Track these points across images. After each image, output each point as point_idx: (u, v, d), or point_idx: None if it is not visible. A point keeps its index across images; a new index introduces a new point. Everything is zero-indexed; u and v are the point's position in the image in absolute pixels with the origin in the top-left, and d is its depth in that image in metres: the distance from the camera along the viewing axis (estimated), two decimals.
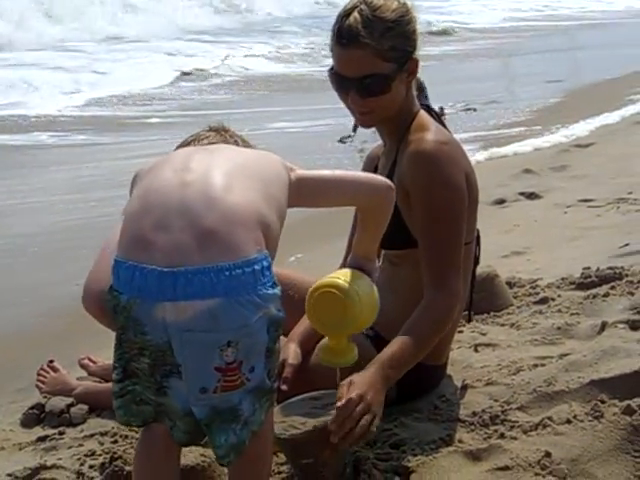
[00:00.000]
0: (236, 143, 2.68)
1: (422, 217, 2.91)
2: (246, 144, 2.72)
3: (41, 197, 7.39)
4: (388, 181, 2.58)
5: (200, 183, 2.17)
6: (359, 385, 2.57)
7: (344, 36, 2.91)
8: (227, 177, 2.20)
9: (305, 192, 2.43)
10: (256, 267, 2.08)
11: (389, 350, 2.76)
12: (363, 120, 3.07)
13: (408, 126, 3.00)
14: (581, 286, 4.06)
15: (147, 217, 2.15)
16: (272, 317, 2.14)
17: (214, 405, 2.15)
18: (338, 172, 2.52)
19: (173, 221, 2.11)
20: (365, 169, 3.27)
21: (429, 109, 3.13)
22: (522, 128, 10.21)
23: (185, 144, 2.71)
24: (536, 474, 2.59)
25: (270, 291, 2.12)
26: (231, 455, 2.23)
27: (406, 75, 2.97)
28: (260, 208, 2.17)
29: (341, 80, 2.97)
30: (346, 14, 2.93)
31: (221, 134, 2.73)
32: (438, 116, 3.13)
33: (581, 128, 9.96)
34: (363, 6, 2.91)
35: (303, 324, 3.07)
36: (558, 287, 4.13)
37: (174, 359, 2.14)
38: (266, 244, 2.16)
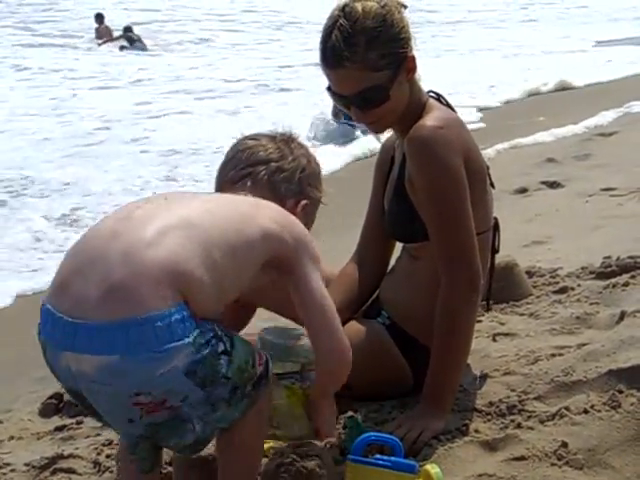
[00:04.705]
0: (293, 160, 2.61)
1: (423, 203, 2.90)
2: (306, 157, 2.65)
3: None
4: (348, 358, 2.42)
5: (128, 235, 2.12)
6: (402, 419, 2.83)
7: (329, 58, 2.86)
8: (159, 232, 2.12)
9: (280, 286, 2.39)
10: (159, 323, 2.02)
11: (427, 378, 2.86)
12: (374, 129, 3.05)
13: (418, 118, 2.94)
14: (601, 275, 4.03)
15: (73, 261, 2.16)
16: (188, 365, 2.07)
17: (149, 423, 2.14)
18: (320, 309, 2.35)
19: (91, 270, 2.09)
20: (380, 159, 3.26)
21: (438, 95, 3.10)
22: (545, 117, 10.18)
23: (243, 148, 2.63)
24: (552, 464, 2.57)
25: (177, 344, 2.04)
26: (187, 451, 2.28)
27: (405, 75, 2.90)
28: (181, 264, 2.08)
29: (339, 98, 2.93)
30: (327, 33, 2.86)
31: (280, 146, 2.64)
32: (447, 102, 3.10)
33: (604, 117, 9.92)
34: (342, 20, 2.83)
35: None
36: (578, 276, 4.10)
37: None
38: (192, 299, 2.10)
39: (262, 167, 2.58)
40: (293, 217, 2.43)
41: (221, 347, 2.15)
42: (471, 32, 25.10)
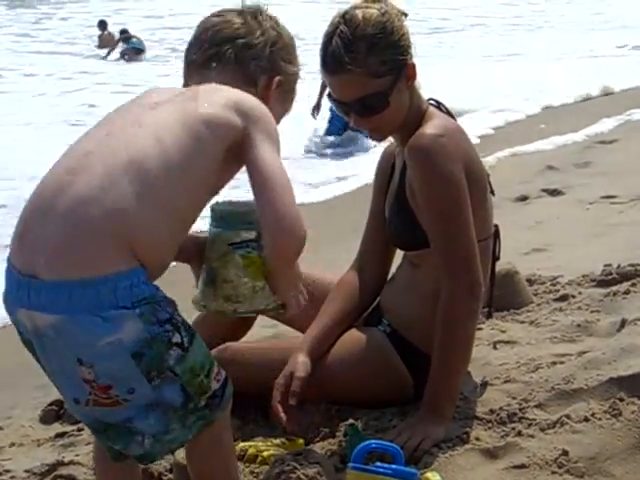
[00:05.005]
0: (262, 34, 2.42)
1: (424, 213, 2.90)
2: (276, 30, 2.46)
3: None
4: (302, 232, 2.17)
5: (73, 190, 2.05)
6: (403, 427, 2.81)
7: (329, 64, 2.87)
8: (102, 185, 2.04)
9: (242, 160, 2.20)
10: (103, 288, 1.98)
11: (427, 385, 2.85)
12: (374, 137, 3.04)
13: (418, 126, 2.94)
14: (602, 283, 4.02)
15: (27, 216, 2.12)
16: (135, 343, 2.01)
17: (97, 418, 2.11)
18: (278, 177, 2.16)
19: (41, 227, 2.05)
20: (381, 166, 3.25)
21: (438, 104, 3.10)
22: (545, 125, 10.19)
23: (207, 27, 2.45)
24: (553, 472, 2.56)
25: (122, 311, 1.99)
26: (136, 459, 2.23)
27: (405, 82, 2.91)
28: (129, 219, 2.03)
29: (338, 104, 2.94)
30: (328, 39, 2.87)
31: (247, 20, 2.44)
32: (447, 109, 3.10)
33: (605, 124, 9.92)
34: (342, 26, 2.84)
35: (315, 328, 3.05)
36: (579, 284, 4.09)
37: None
38: (143, 253, 2.05)
39: (228, 45, 2.39)
40: (239, 93, 2.26)
41: (177, 338, 2.07)
42: (488, 38, 24.74)
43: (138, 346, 2.02)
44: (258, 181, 2.16)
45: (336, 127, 10.18)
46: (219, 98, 2.22)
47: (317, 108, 10.42)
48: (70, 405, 2.17)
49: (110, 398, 2.06)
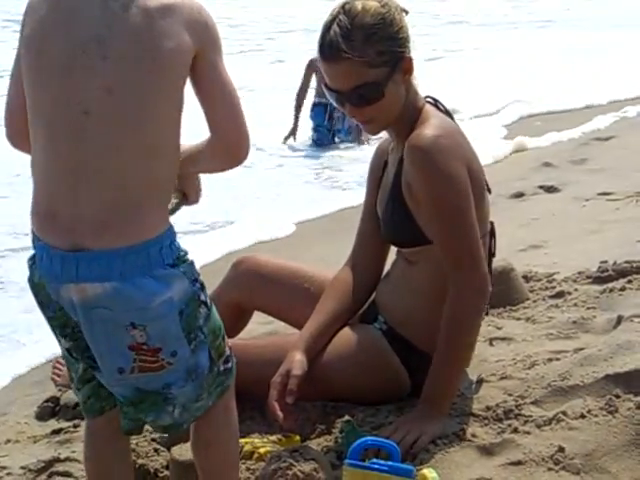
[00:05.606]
0: None
1: (428, 213, 2.89)
2: None
3: None
4: (247, 151, 2.21)
5: (99, 154, 2.07)
6: (399, 423, 2.80)
7: (326, 51, 2.88)
8: (125, 149, 2.07)
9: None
10: (152, 249, 2.08)
11: (427, 381, 2.85)
12: (368, 129, 3.04)
13: (414, 123, 2.95)
14: (598, 280, 4.02)
15: (54, 182, 2.12)
16: (182, 300, 2.12)
17: (137, 387, 2.17)
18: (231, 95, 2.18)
19: (76, 193, 2.08)
20: (374, 162, 3.25)
21: (435, 102, 3.10)
22: (541, 122, 10.20)
23: None
24: (549, 469, 2.57)
25: (171, 270, 2.10)
26: (162, 430, 2.32)
27: (401, 75, 2.91)
28: (157, 180, 2.11)
29: (334, 94, 2.94)
30: (327, 28, 2.88)
31: None
32: (445, 108, 3.10)
33: (601, 121, 9.93)
34: (341, 16, 2.86)
35: (311, 326, 3.05)
36: (575, 281, 4.09)
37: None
38: (167, 195, 2.17)
39: None
40: (189, 11, 2.14)
41: (203, 297, 2.19)
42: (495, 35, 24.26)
43: (184, 304, 2.12)
44: (219, 97, 2.17)
45: (324, 135, 10.05)
46: (173, 26, 2.12)
47: (294, 133, 10.22)
48: (112, 378, 2.18)
49: (157, 361, 2.13)
